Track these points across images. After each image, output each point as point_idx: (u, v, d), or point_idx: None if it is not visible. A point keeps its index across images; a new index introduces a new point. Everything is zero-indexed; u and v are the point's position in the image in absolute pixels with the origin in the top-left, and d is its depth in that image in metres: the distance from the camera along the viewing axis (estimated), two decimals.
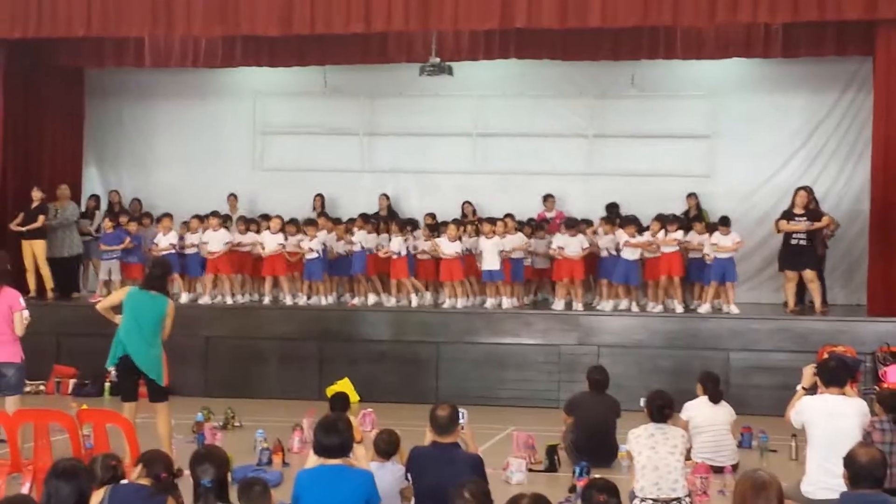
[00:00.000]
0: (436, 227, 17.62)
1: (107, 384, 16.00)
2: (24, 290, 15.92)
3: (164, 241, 17.46)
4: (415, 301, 16.98)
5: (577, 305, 16.54)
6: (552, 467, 11.30)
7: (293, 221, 17.63)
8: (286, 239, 17.28)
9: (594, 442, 11.24)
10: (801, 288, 16.33)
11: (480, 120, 19.56)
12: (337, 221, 17.95)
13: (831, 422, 8.40)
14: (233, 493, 6.71)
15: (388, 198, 19.28)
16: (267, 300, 17.44)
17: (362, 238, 17.15)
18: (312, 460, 7.59)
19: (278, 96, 20.24)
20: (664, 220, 16.56)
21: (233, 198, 19.15)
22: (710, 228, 16.58)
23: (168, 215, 17.78)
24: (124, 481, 6.74)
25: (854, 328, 15.25)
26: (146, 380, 10.85)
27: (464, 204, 18.77)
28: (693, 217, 17.57)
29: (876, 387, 13.51)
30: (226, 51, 18.61)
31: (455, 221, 17.45)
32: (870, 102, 16.80)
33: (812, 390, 8.87)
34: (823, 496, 8.09)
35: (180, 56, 18.79)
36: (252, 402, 15.20)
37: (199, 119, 20.43)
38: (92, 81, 20.45)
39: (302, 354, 16.43)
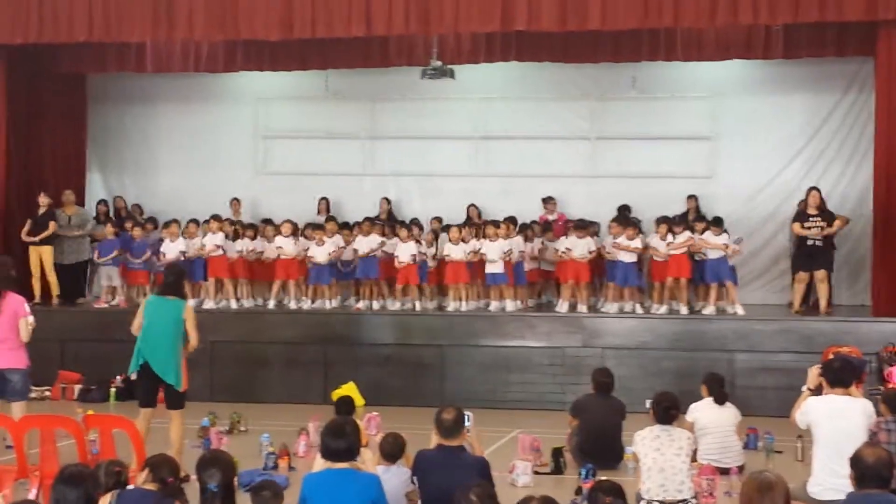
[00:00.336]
0: (439, 233, 17.63)
1: (112, 390, 16.05)
2: (28, 295, 15.95)
3: (173, 248, 17.41)
4: (419, 305, 16.99)
5: (582, 308, 16.54)
6: (558, 470, 11.32)
7: (308, 225, 17.67)
8: (297, 243, 17.31)
9: (600, 444, 11.25)
10: (806, 288, 16.33)
11: (482, 123, 19.56)
12: (343, 226, 17.95)
13: (837, 422, 8.41)
14: (239, 498, 6.72)
15: (389, 202, 19.30)
16: (271, 304, 17.46)
17: (369, 242, 17.15)
18: (319, 464, 7.59)
19: (280, 100, 20.26)
20: (670, 223, 16.58)
21: (236, 202, 19.16)
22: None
23: (175, 221, 17.77)
24: (130, 486, 6.75)
25: (859, 329, 15.25)
26: (165, 386, 10.86)
27: (469, 207, 18.75)
28: (695, 218, 17.56)
29: (881, 387, 13.49)
30: (227, 55, 18.63)
31: (459, 225, 17.45)
32: (871, 103, 16.80)
33: (817, 391, 8.88)
34: (830, 497, 8.09)
35: (182, 61, 18.81)
36: (257, 406, 15.23)
37: (201, 124, 20.44)
38: (94, 87, 20.47)
39: (307, 358, 16.44)
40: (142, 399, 11.03)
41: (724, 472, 10.71)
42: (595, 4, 15.54)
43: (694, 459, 10.37)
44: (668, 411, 9.38)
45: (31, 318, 11.20)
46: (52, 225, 17.70)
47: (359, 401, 14.43)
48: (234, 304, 17.38)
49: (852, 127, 18.30)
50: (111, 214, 19.35)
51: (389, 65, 18.39)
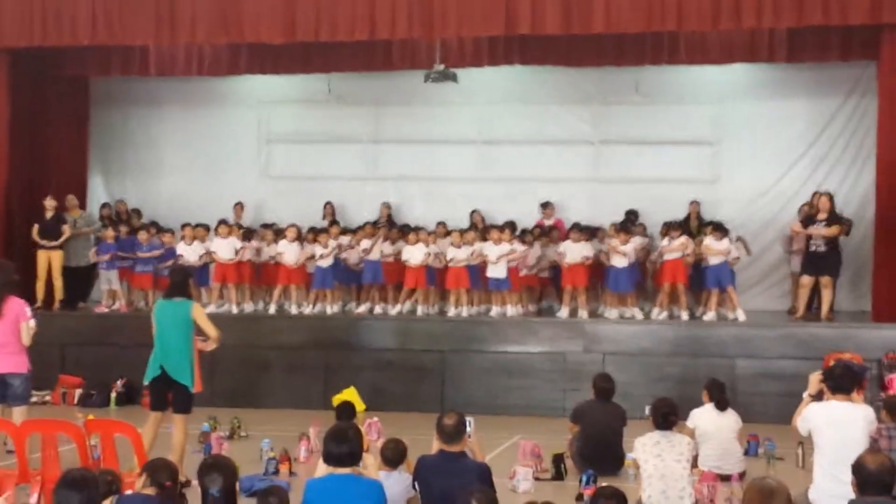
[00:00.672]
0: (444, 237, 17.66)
1: (113, 394, 16.04)
2: (32, 298, 15.98)
3: (191, 251, 17.39)
4: (420, 310, 16.98)
5: (583, 313, 16.53)
6: (559, 476, 11.29)
7: (311, 230, 17.72)
8: (302, 247, 17.32)
9: (600, 450, 11.23)
10: (812, 294, 16.31)
11: (485, 127, 19.57)
12: (346, 230, 17.96)
13: (838, 429, 8.37)
14: (241, 503, 6.71)
15: (389, 206, 19.29)
16: (272, 309, 17.46)
17: (375, 246, 17.17)
18: (321, 469, 7.58)
19: (283, 104, 20.28)
20: (668, 227, 16.60)
21: (239, 206, 19.14)
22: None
23: (188, 225, 17.76)
24: (129, 492, 6.73)
25: (860, 335, 15.23)
26: (174, 390, 10.84)
27: (472, 213, 18.72)
28: (698, 224, 17.59)
29: (882, 394, 13.49)
30: (230, 59, 18.66)
31: (461, 230, 17.45)
32: (874, 107, 16.80)
33: (818, 397, 8.85)
34: None
35: (185, 64, 18.84)
36: (258, 411, 15.23)
37: (204, 127, 20.47)
38: (97, 90, 20.48)
39: (308, 363, 16.42)
40: (153, 403, 11.00)
41: (725, 478, 10.70)
42: (599, 8, 15.55)
43: (695, 466, 10.37)
44: (667, 417, 9.39)
45: (32, 322, 11.20)
46: (66, 228, 17.70)
47: (359, 406, 14.43)
48: (234, 309, 17.37)
49: (855, 131, 18.33)
50: (113, 218, 19.36)
51: (393, 68, 18.43)
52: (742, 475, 10.90)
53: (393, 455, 8.51)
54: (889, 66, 15.87)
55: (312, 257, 17.24)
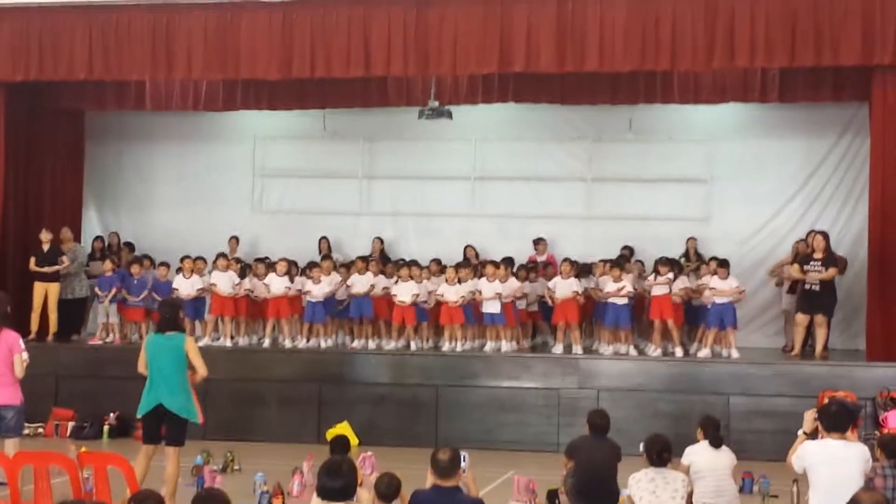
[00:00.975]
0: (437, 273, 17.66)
1: (105, 427, 15.99)
2: (25, 330, 15.95)
3: (187, 284, 17.35)
4: (413, 345, 16.97)
5: (577, 349, 16.54)
6: None
7: (294, 263, 17.69)
8: (292, 282, 17.31)
9: (595, 486, 11.17)
10: (807, 332, 16.35)
11: (479, 163, 19.65)
12: (342, 265, 17.96)
13: (833, 467, 8.38)
14: None
15: (381, 241, 19.31)
16: (266, 343, 17.44)
17: (364, 281, 17.14)
18: (316, 503, 7.56)
19: (278, 139, 20.34)
20: (657, 264, 16.65)
21: (234, 240, 19.14)
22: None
23: (188, 258, 17.72)
24: None
25: (854, 373, 15.25)
26: (168, 423, 10.84)
27: (466, 248, 18.78)
28: (696, 261, 17.65)
29: (877, 432, 13.49)
30: (226, 94, 18.70)
31: (456, 266, 17.46)
32: (866, 147, 16.89)
33: (813, 435, 8.86)
34: None
35: (181, 99, 18.87)
36: (251, 445, 15.16)
37: (198, 162, 20.52)
38: (92, 123, 20.49)
39: (301, 397, 16.37)
40: (146, 436, 11.02)
41: None
42: (593, 47, 15.65)
43: (690, 503, 10.34)
44: (662, 454, 9.39)
45: (25, 355, 11.23)
46: (64, 259, 17.68)
47: (353, 440, 14.36)
48: (228, 343, 17.35)
49: (847, 171, 18.42)
50: (105, 251, 19.36)
51: (387, 105, 18.48)
52: None
53: (387, 489, 8.48)
54: (880, 107, 15.95)
55: (301, 292, 17.24)
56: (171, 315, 11.14)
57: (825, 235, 16.30)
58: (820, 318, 16.00)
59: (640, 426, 14.22)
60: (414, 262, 17.62)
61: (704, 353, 16.21)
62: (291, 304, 17.39)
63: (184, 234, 19.72)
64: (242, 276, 17.75)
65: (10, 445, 10.98)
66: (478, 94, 17.93)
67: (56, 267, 17.60)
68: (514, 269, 17.37)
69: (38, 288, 17.60)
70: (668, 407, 15.35)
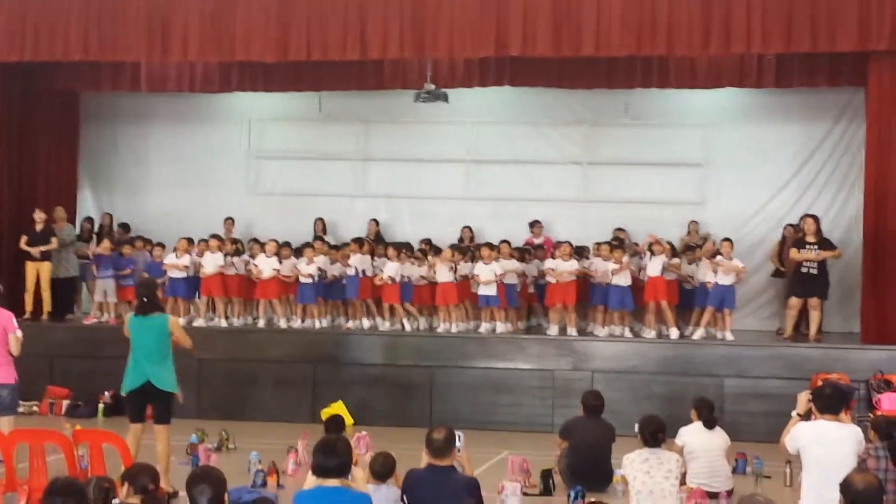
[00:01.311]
0: (428, 253, 17.64)
1: (100, 405, 16.01)
2: (19, 310, 15.97)
3: (178, 263, 17.41)
4: (408, 325, 17.00)
5: (572, 331, 16.56)
6: (547, 491, 11.31)
7: (287, 245, 17.68)
8: (280, 262, 17.31)
9: (589, 466, 11.25)
10: (799, 315, 16.38)
11: (474, 146, 19.64)
12: (333, 247, 17.97)
13: (826, 448, 8.42)
14: None
15: (377, 223, 19.32)
16: (261, 323, 17.45)
17: (357, 262, 17.15)
18: (310, 481, 7.59)
19: (273, 121, 20.32)
20: (650, 244, 16.67)
21: (229, 221, 19.14)
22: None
23: (185, 238, 17.75)
24: (115, 501, 6.71)
25: (848, 356, 15.30)
26: (155, 401, 10.92)
27: (463, 229, 18.78)
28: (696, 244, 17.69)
29: (870, 414, 13.55)
30: (222, 76, 18.66)
31: (452, 246, 17.48)
32: (862, 133, 16.94)
33: (807, 417, 8.90)
34: None
35: (177, 81, 18.85)
36: (246, 424, 15.19)
37: (193, 143, 20.48)
38: (87, 105, 20.47)
39: (296, 377, 16.41)
40: (132, 415, 11.07)
41: (714, 496, 10.72)
42: (589, 31, 15.63)
43: (683, 483, 10.40)
44: (655, 435, 9.46)
45: (19, 333, 11.28)
46: (53, 240, 17.65)
47: (348, 420, 14.41)
48: (223, 323, 17.37)
49: (842, 156, 18.44)
50: (97, 231, 19.36)
51: (383, 87, 18.43)
52: (730, 493, 10.91)
53: (382, 468, 8.53)
54: (876, 93, 15.98)
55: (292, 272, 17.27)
56: (150, 296, 11.16)
57: (815, 219, 16.34)
58: (814, 301, 16.05)
59: (634, 408, 14.33)
60: (406, 245, 17.62)
61: (699, 333, 16.24)
62: (282, 286, 17.37)
63: (179, 215, 19.70)
64: (238, 255, 17.74)
65: (5, 423, 11.01)
66: (474, 77, 17.91)
67: (44, 247, 17.53)
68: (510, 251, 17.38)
69: (30, 268, 17.60)
70: (662, 389, 15.41)
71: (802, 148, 18.66)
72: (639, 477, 9.30)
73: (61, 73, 18.80)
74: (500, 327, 16.71)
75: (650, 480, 9.18)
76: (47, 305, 17.68)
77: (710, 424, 11.29)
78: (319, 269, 17.16)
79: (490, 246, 16.97)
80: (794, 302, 16.23)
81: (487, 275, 16.54)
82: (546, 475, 11.40)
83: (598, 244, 17.20)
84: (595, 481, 11.08)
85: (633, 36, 15.60)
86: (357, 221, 19.48)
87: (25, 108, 18.82)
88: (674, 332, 16.26)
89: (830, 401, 8.76)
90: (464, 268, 17.02)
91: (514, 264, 16.98)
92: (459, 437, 8.38)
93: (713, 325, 16.38)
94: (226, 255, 17.59)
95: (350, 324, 17.37)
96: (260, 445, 12.62)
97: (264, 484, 11.29)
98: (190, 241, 17.83)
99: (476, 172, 19.68)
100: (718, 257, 16.35)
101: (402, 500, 8.10)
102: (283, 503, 9.62)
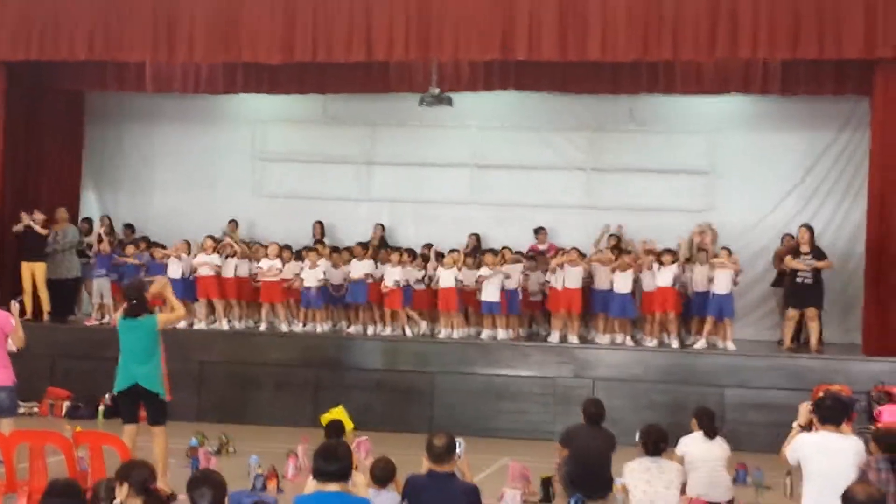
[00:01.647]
0: (429, 258, 17.61)
1: (100, 407, 16.00)
2: (20, 311, 15.91)
3: (176, 265, 17.39)
4: (409, 331, 16.98)
5: (573, 338, 16.54)
6: (547, 499, 11.30)
7: (288, 247, 17.67)
8: (283, 265, 17.29)
9: (589, 474, 11.20)
10: (798, 326, 16.37)
11: (479, 151, 19.61)
12: (334, 250, 17.96)
13: (827, 459, 8.40)
14: None
15: (383, 228, 19.30)
16: (263, 327, 17.44)
17: (361, 267, 17.13)
18: (311, 486, 7.58)
19: (278, 123, 20.31)
20: (658, 254, 16.63)
21: (233, 224, 19.13)
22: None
23: (186, 241, 17.80)
24: (116, 502, 6.69)
25: (849, 367, 15.27)
26: (146, 403, 10.95)
27: (469, 236, 18.65)
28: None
29: (871, 426, 13.49)
30: (227, 77, 18.66)
31: (453, 252, 17.46)
32: (866, 141, 16.90)
33: (808, 428, 8.87)
34: None
35: (182, 82, 18.85)
36: (246, 427, 15.20)
37: (198, 145, 20.48)
38: (92, 105, 20.49)
39: (297, 381, 16.40)
40: (125, 416, 11.09)
41: None
42: (595, 36, 15.60)
43: (683, 493, 10.36)
44: (657, 444, 9.43)
45: (21, 332, 11.20)
46: (36, 227, 17.59)
47: (348, 425, 14.37)
48: (225, 326, 17.36)
49: (847, 165, 18.39)
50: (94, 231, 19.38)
51: (388, 91, 18.44)
52: (731, 503, 10.88)
53: (382, 474, 8.52)
54: (881, 102, 15.95)
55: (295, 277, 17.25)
56: (139, 299, 11.18)
57: (808, 228, 16.36)
58: (811, 312, 16.04)
59: (635, 416, 14.29)
60: (408, 251, 17.61)
61: (701, 343, 16.21)
62: (286, 289, 17.35)
63: (182, 216, 19.70)
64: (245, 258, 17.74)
65: (6, 425, 10.96)
66: (479, 80, 17.90)
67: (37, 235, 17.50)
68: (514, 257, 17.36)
69: (25, 269, 17.65)
70: (663, 397, 15.38)
71: (806, 156, 18.63)
72: (639, 486, 9.28)
73: (67, 72, 18.81)
74: (502, 334, 16.69)
75: (651, 490, 9.15)
76: (46, 306, 17.69)
77: (710, 434, 11.24)
78: (324, 274, 17.10)
79: (494, 252, 16.94)
80: (792, 313, 16.22)
81: (493, 282, 16.50)
82: (546, 483, 11.39)
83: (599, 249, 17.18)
84: (595, 489, 11.04)
85: (638, 40, 15.57)
86: (361, 225, 19.45)
87: (30, 108, 18.83)
88: (675, 342, 16.23)
89: (832, 412, 8.73)
90: (466, 274, 16.94)
91: (518, 269, 16.91)
92: (460, 443, 8.36)
93: (714, 334, 16.35)
94: (226, 256, 17.56)
95: (352, 328, 17.35)
96: (260, 449, 12.61)
97: (264, 488, 11.28)
98: (184, 242, 17.81)
99: (480, 177, 19.64)
100: (715, 259, 16.36)
101: None
102: None
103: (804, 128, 18.58)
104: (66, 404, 16.31)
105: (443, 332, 16.81)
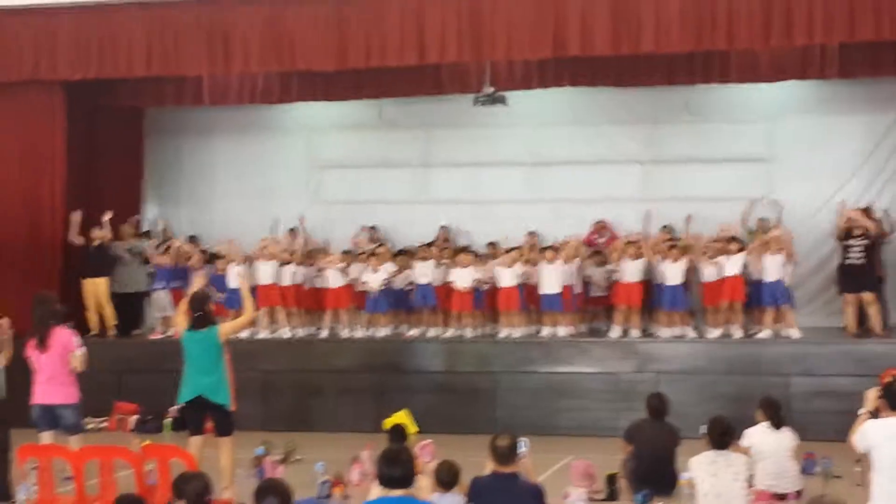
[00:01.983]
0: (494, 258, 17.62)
1: (167, 420, 16.15)
2: (84, 328, 16.17)
3: (234, 274, 17.45)
4: (470, 332, 16.97)
5: (635, 332, 16.44)
6: (612, 496, 11.24)
7: (348, 253, 17.77)
8: (347, 271, 17.38)
9: (654, 470, 11.13)
10: (858, 310, 16.14)
11: (535, 149, 19.56)
12: (399, 253, 18.01)
13: None
14: None
15: (447, 229, 19.30)
16: (324, 333, 17.54)
17: (426, 269, 17.17)
18: (376, 492, 7.61)
19: (334, 130, 20.44)
20: (726, 241, 16.48)
21: (291, 233, 19.26)
22: None
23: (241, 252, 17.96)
24: None
25: None
26: (212, 414, 11.03)
27: (528, 234, 18.58)
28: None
29: None
30: (282, 87, 18.84)
31: (512, 250, 17.41)
32: None
33: (876, 414, 8.75)
34: None
35: (238, 93, 19.07)
36: (310, 435, 15.28)
37: (255, 155, 20.65)
38: (151, 120, 20.76)
39: (359, 387, 16.49)
40: (191, 428, 11.20)
41: (782, 497, 10.59)
42: (648, 28, 15.48)
43: (751, 485, 10.26)
44: (723, 437, 9.35)
45: (79, 351, 11.32)
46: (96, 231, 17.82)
47: (412, 428, 14.39)
48: (287, 333, 17.47)
49: None
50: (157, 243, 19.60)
51: (442, 92, 18.50)
52: (799, 494, 10.76)
53: (447, 476, 8.51)
54: None
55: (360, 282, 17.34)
56: (203, 311, 11.27)
57: (865, 210, 16.20)
58: (868, 297, 15.80)
59: (699, 409, 14.11)
60: (469, 249, 17.61)
61: (765, 333, 16.02)
62: (351, 295, 17.44)
63: (242, 226, 19.78)
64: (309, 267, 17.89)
65: (75, 441, 11.13)
66: (532, 78, 17.89)
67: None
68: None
69: (88, 286, 17.86)
70: (727, 389, 15.22)
71: (868, 139, 18.39)
72: (706, 479, 9.21)
73: (125, 90, 19.10)
74: (562, 331, 16.64)
75: (718, 482, 9.08)
76: (110, 321, 17.89)
77: (777, 424, 11.14)
78: (386, 279, 17.17)
79: (553, 248, 16.90)
80: (850, 298, 15.99)
81: (552, 277, 16.45)
82: (611, 480, 11.33)
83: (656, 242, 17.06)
84: (661, 485, 10.95)
85: (692, 31, 15.42)
86: (418, 228, 19.44)
87: (90, 126, 19.11)
88: (738, 332, 16.07)
89: None
90: (525, 271, 16.90)
91: (572, 266, 16.88)
92: (525, 443, 8.36)
93: (778, 323, 16.16)
94: (282, 264, 17.66)
95: (412, 332, 17.39)
96: (325, 456, 12.62)
97: (330, 495, 11.29)
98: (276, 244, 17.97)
99: (537, 174, 19.60)
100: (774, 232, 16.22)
101: None
102: None
103: (863, 111, 18.36)
104: (133, 418, 16.51)
105: (503, 332, 16.78)
